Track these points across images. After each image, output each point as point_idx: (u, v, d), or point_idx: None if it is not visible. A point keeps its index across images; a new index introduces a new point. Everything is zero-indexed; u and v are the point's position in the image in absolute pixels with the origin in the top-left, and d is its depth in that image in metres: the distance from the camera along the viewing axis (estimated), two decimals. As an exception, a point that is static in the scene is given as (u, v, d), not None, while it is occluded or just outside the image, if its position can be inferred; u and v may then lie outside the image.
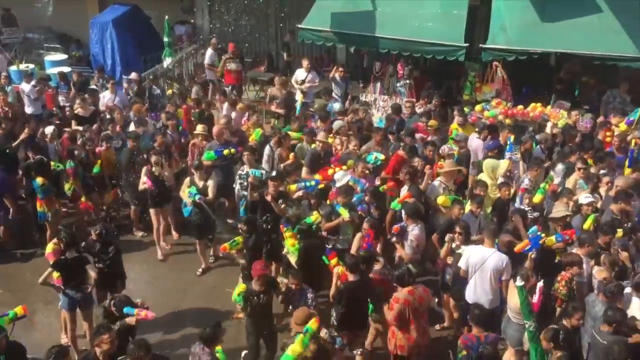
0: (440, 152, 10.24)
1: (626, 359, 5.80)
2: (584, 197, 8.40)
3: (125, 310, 6.53)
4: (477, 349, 6.32)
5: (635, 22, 12.02)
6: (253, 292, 7.09)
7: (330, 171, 9.45)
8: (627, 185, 8.70)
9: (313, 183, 9.07)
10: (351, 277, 7.03)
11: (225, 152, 10.12)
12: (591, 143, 10.50)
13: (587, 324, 6.67)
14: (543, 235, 7.43)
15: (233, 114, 12.10)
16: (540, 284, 6.85)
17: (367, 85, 14.51)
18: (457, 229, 7.74)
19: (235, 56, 14.99)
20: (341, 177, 9.13)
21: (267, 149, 10.45)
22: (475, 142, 10.76)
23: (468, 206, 8.54)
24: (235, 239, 8.13)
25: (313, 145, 10.40)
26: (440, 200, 8.69)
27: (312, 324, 6.23)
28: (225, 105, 12.52)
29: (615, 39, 11.97)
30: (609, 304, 6.46)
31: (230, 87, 14.70)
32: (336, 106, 12.39)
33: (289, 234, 8.20)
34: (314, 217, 8.23)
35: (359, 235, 8.05)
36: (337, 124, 10.94)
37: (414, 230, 8.00)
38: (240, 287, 7.34)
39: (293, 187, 9.10)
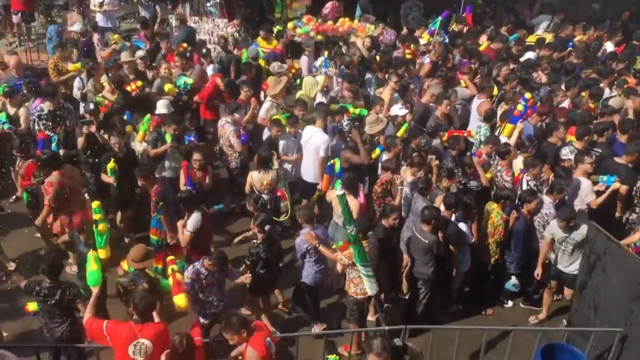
0: (270, 69, 10.21)
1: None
2: (398, 109, 8.95)
3: None
4: (168, 195, 7.17)
5: None
6: None
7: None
8: (439, 93, 9.38)
9: (184, 82, 9.44)
10: None
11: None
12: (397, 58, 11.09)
13: (409, 221, 7.35)
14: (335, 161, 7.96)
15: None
16: (360, 185, 7.36)
17: (176, 6, 13.80)
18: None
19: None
20: (163, 105, 8.78)
21: (76, 82, 9.84)
22: (302, 59, 11.12)
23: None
24: None
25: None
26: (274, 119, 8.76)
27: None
28: None
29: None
30: (425, 202, 7.12)
31: (19, 14, 13.08)
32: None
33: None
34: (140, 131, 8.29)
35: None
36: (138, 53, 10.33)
37: None
38: None
39: (169, 86, 9.22)
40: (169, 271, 6.09)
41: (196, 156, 7.73)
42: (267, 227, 6.52)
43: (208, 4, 13.34)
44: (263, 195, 7.71)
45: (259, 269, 6.50)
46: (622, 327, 6.01)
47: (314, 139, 8.28)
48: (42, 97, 8.70)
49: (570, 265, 7.04)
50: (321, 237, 6.74)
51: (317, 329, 6.95)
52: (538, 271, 7.26)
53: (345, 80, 9.61)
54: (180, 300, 5.82)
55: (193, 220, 6.79)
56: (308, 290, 6.99)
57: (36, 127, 8.58)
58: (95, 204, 6.67)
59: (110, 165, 7.64)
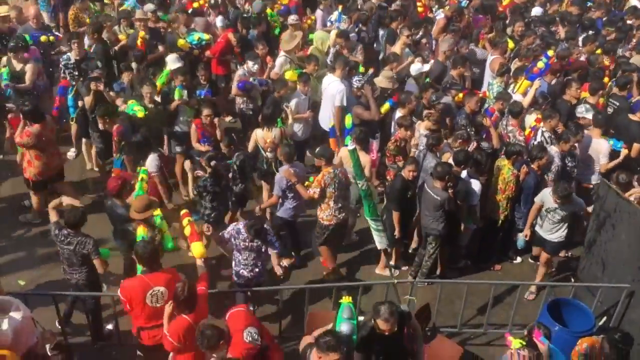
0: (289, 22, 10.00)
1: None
2: (420, 66, 8.87)
3: None
4: (129, 138, 7.40)
5: None
6: None
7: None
8: (451, 47, 9.24)
9: (197, 38, 9.41)
10: None
11: (43, 38, 9.08)
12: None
13: (420, 178, 7.30)
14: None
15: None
16: (372, 140, 7.34)
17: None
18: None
19: None
20: (173, 59, 8.73)
21: (87, 40, 9.50)
22: (317, 12, 11.04)
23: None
24: None
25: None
26: (288, 75, 8.71)
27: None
28: None
29: None
30: (436, 159, 7.11)
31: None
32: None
33: None
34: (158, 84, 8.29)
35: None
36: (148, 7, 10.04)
37: None
38: None
39: (182, 41, 9.29)
40: (185, 222, 6.12)
41: (206, 111, 7.71)
42: (213, 163, 6.82)
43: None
44: (267, 153, 7.71)
45: (208, 201, 6.83)
46: (630, 283, 6.05)
47: (331, 88, 8.36)
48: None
49: (554, 234, 6.98)
50: (299, 174, 6.94)
51: (285, 262, 6.88)
52: (526, 232, 7.24)
53: (338, 37, 9.43)
54: (196, 247, 5.86)
55: (151, 161, 7.01)
56: (286, 225, 7.25)
57: (62, 75, 8.61)
58: (143, 169, 6.87)
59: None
